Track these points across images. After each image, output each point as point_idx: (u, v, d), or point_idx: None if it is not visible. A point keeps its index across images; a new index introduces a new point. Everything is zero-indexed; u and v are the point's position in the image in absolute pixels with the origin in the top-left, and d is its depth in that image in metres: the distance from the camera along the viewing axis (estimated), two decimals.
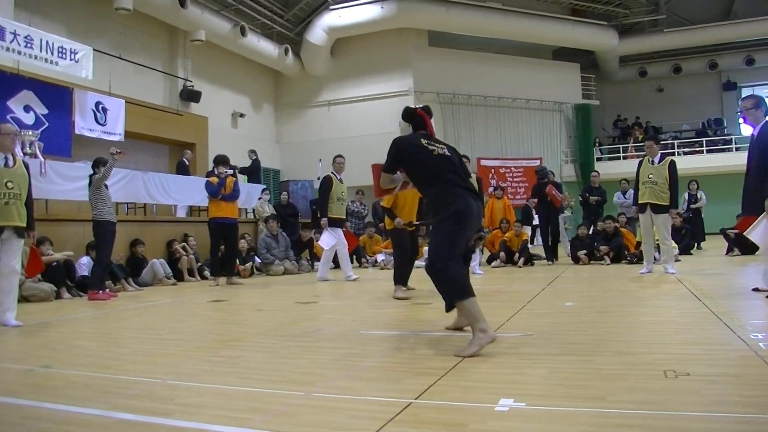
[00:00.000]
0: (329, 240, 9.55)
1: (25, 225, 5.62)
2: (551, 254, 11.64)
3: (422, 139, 4.24)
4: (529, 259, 11.39)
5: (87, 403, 2.81)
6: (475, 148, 21.40)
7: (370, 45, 21.06)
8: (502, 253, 11.45)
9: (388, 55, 21.16)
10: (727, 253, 11.95)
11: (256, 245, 12.37)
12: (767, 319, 4.72)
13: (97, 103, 12.50)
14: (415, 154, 4.16)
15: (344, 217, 10.00)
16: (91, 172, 8.09)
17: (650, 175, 8.45)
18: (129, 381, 3.23)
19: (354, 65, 21.49)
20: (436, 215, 4.00)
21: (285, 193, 14.08)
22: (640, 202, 8.60)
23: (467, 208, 3.90)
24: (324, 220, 9.46)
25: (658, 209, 8.41)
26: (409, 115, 4.47)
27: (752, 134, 5.97)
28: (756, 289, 5.99)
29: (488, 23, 20.52)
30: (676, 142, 23.42)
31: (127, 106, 13.32)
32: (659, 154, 8.61)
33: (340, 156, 9.94)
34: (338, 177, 9.67)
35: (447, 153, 4.19)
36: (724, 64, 25.10)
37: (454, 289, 3.80)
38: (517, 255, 11.30)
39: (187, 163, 14.54)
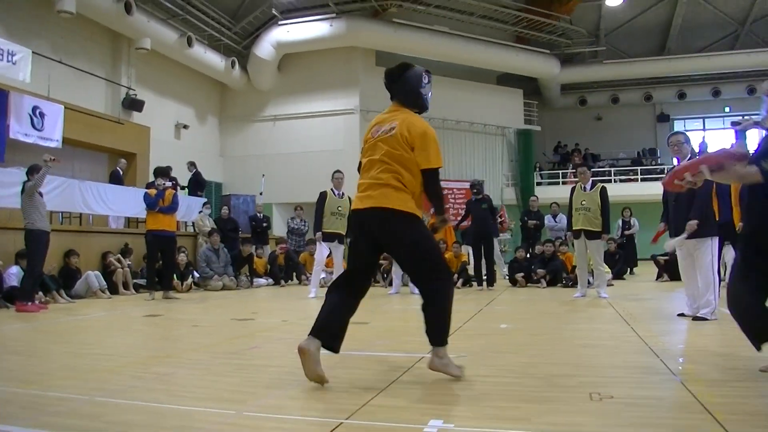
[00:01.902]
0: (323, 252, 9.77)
1: None
2: (490, 279, 11.01)
3: None
4: (468, 281, 11.53)
5: (8, 420, 2.72)
6: None
7: (317, 62, 21.11)
8: None
9: (335, 73, 21.25)
10: (657, 279, 12.38)
11: (195, 260, 12.19)
12: (690, 344, 4.92)
13: (34, 108, 12.12)
14: None
15: (340, 231, 9.76)
16: (26, 179, 7.86)
17: (583, 202, 8.73)
18: (55, 397, 3.14)
19: (301, 81, 21.48)
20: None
21: (226, 207, 13.93)
22: (574, 228, 8.84)
23: None
24: (318, 234, 9.56)
25: (591, 235, 8.66)
26: None
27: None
28: (681, 315, 6.24)
29: (435, 46, 20.84)
30: (612, 169, 24.20)
31: (66, 112, 12.97)
32: (590, 181, 8.92)
33: (338, 171, 9.97)
34: (336, 192, 9.69)
35: None
36: (658, 96, 26.15)
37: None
38: (455, 276, 11.43)
39: (121, 172, 14.18)
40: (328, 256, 10.25)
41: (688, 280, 6.18)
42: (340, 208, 9.53)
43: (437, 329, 3.56)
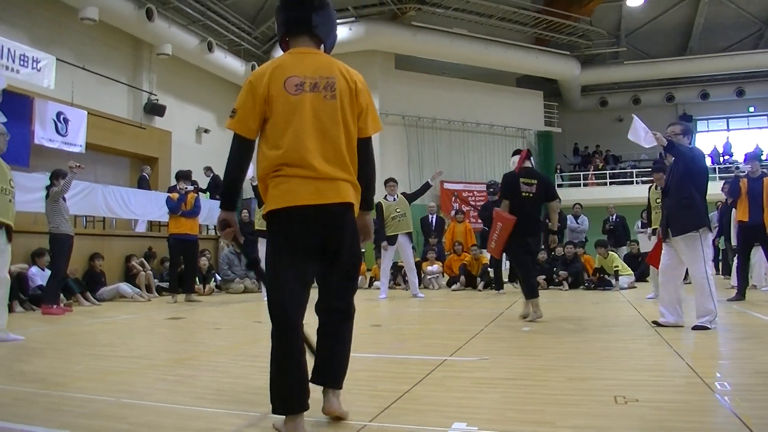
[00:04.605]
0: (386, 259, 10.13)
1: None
2: (512, 278, 11.02)
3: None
4: (489, 283, 11.46)
5: (33, 422, 2.75)
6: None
7: None
8: (462, 277, 11.53)
9: None
10: (684, 279, 12.20)
11: (217, 263, 12.27)
12: (716, 347, 4.85)
13: (59, 114, 12.27)
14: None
15: (401, 231, 9.98)
16: (48, 183, 7.96)
17: (657, 200, 8.10)
18: (79, 399, 3.17)
19: None
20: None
21: (246, 210, 13.97)
22: (653, 226, 8.37)
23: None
24: (384, 243, 9.95)
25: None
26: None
27: (674, 159, 5.76)
28: (655, 323, 5.73)
29: (454, 49, 20.80)
30: (634, 171, 23.97)
31: (89, 118, 13.10)
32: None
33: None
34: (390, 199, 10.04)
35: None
36: (681, 97, 25.84)
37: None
38: (477, 279, 11.37)
39: (147, 177, 14.36)
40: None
41: (668, 283, 5.69)
42: (398, 210, 9.99)
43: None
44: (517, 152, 7.00)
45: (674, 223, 5.53)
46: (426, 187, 10.47)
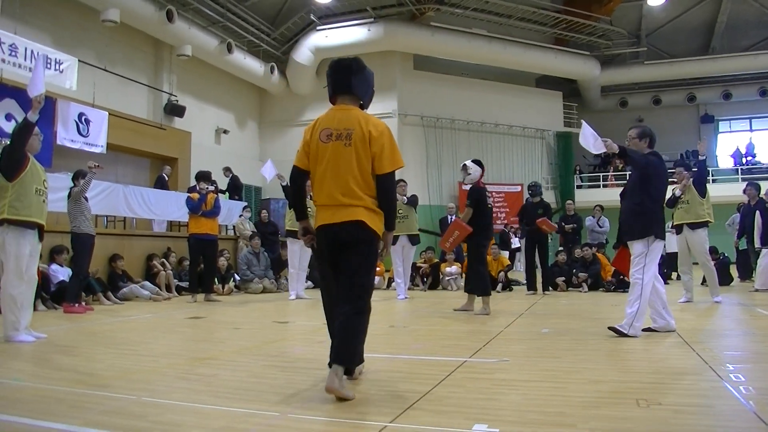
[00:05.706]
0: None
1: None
2: (546, 283, 10.78)
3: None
4: (508, 285, 11.41)
5: (57, 419, 2.78)
6: (457, 171, 21.45)
7: None
8: None
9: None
10: (702, 283, 12.07)
11: (236, 263, 12.33)
12: (740, 351, 4.79)
13: (80, 114, 12.42)
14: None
15: (402, 233, 10.10)
16: (71, 184, 8.05)
17: (681, 197, 8.35)
18: (102, 397, 3.20)
19: None
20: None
21: (265, 211, 14.03)
22: (675, 223, 8.43)
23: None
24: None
25: (693, 226, 8.14)
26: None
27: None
28: (648, 329, 5.44)
29: (473, 49, 20.75)
30: None
31: (110, 119, 13.24)
32: (690, 180, 8.42)
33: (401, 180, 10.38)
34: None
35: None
36: (702, 97, 25.54)
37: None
38: (500, 278, 11.27)
39: (166, 178, 14.46)
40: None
41: (652, 290, 5.43)
42: (400, 211, 10.01)
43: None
44: (478, 162, 8.19)
45: (626, 229, 5.44)
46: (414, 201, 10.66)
